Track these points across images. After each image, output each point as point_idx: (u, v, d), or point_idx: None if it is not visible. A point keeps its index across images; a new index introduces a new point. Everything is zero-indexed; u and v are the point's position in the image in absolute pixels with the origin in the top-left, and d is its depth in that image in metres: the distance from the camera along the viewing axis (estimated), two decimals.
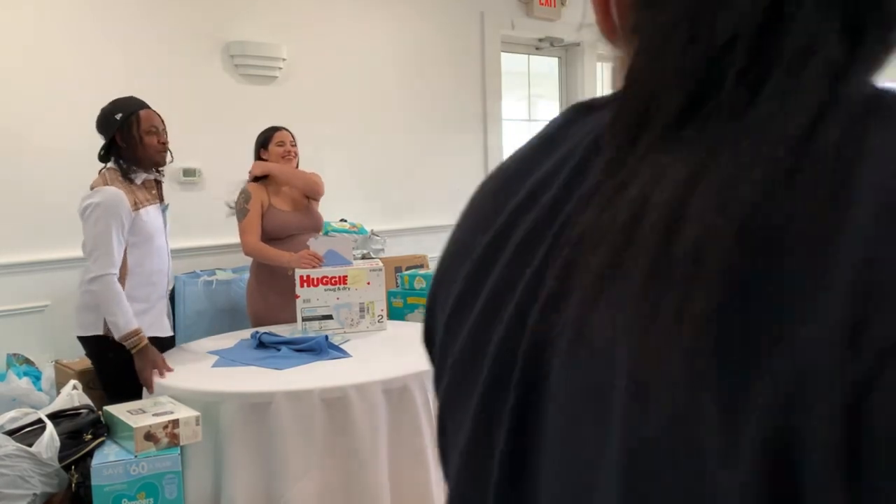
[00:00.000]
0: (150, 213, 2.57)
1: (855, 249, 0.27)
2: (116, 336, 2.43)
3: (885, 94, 0.32)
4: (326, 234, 3.54)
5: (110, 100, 2.60)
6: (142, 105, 2.58)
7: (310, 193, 3.16)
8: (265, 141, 3.17)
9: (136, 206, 2.51)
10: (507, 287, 0.41)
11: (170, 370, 2.37)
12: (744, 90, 0.31)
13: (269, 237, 3.04)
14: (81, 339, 2.56)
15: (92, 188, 2.50)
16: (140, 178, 2.56)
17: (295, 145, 3.17)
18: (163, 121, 2.61)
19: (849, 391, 0.26)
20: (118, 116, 2.52)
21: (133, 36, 3.44)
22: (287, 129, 3.19)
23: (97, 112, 2.57)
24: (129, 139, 2.52)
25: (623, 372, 0.32)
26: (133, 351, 2.39)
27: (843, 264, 0.27)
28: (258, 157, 3.16)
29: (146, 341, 2.41)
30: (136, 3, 3.46)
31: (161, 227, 2.64)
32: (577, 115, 0.44)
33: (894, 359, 0.25)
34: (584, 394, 0.35)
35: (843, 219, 0.28)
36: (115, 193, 2.45)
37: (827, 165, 0.29)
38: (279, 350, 2.53)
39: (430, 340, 0.52)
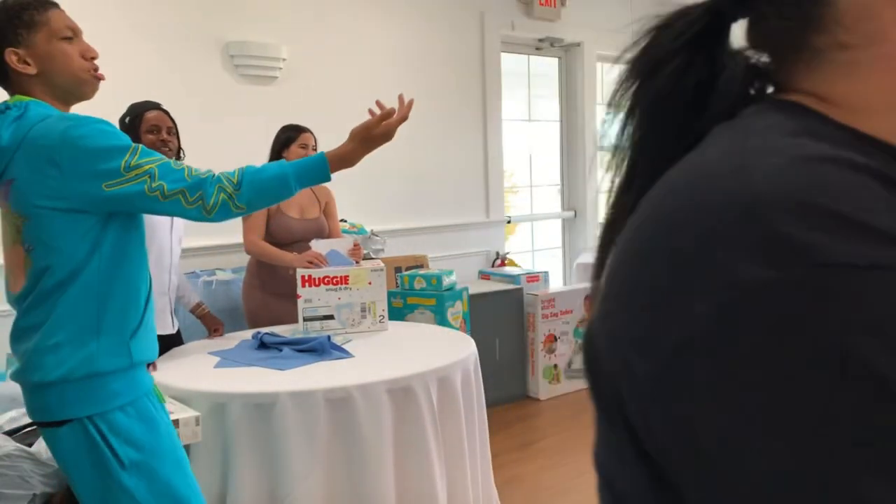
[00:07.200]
0: None
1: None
2: None
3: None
4: None
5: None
6: (151, 107, 2.67)
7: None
8: (287, 141, 3.04)
9: None
10: None
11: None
12: None
13: (274, 242, 2.99)
14: None
15: None
16: None
17: (315, 149, 3.03)
18: (173, 121, 2.70)
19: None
20: (127, 120, 2.65)
21: (132, 36, 3.43)
22: (310, 132, 3.07)
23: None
24: (132, 139, 2.54)
25: None
26: None
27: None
28: (278, 158, 2.98)
29: None
30: (136, 3, 3.44)
31: (165, 221, 2.67)
32: None
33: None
34: None
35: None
36: None
37: None
38: (281, 350, 2.51)
39: None
